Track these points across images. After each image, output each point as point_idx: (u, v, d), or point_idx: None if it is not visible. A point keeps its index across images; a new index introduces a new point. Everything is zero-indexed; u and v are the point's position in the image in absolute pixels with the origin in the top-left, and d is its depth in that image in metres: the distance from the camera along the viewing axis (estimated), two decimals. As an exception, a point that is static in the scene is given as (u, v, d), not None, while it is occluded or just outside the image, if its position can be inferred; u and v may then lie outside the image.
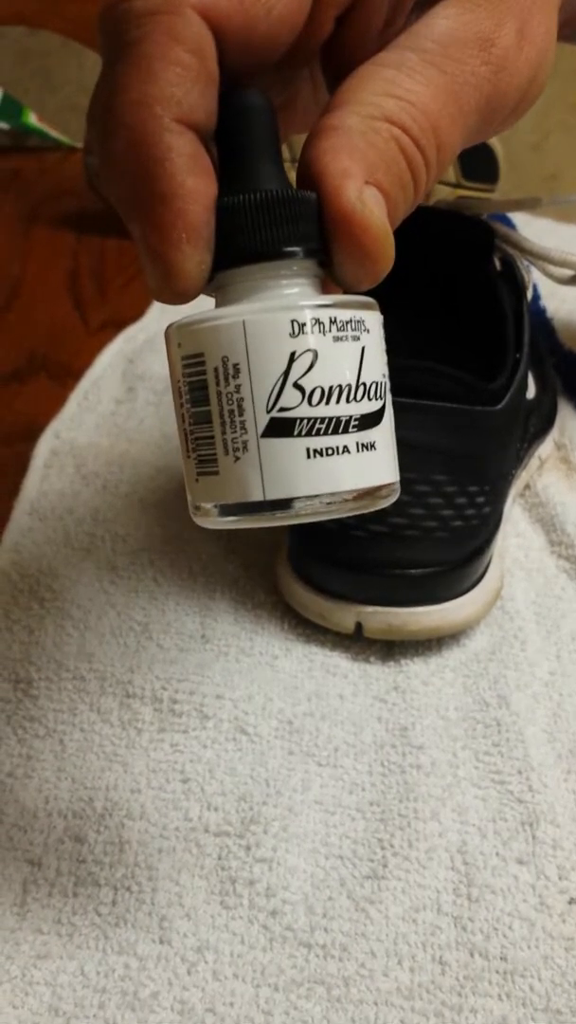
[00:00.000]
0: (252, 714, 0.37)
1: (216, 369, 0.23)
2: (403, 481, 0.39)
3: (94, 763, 0.36)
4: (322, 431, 0.23)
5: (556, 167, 1.13)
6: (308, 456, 0.23)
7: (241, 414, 0.23)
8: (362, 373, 0.24)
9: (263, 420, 0.23)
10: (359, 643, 0.41)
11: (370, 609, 0.39)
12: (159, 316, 0.68)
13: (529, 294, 0.52)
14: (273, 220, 0.23)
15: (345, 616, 0.40)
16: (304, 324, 0.23)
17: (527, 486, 0.50)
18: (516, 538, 0.47)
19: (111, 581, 0.44)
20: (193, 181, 0.22)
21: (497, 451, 0.43)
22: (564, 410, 0.55)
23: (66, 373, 0.61)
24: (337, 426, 0.24)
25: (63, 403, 0.57)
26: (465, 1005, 0.30)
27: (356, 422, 0.24)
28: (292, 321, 0.23)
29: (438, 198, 0.57)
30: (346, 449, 0.24)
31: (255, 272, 0.24)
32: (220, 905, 0.32)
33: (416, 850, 0.33)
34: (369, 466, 0.24)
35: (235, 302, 0.24)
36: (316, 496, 0.24)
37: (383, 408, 0.25)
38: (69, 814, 0.34)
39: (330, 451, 0.24)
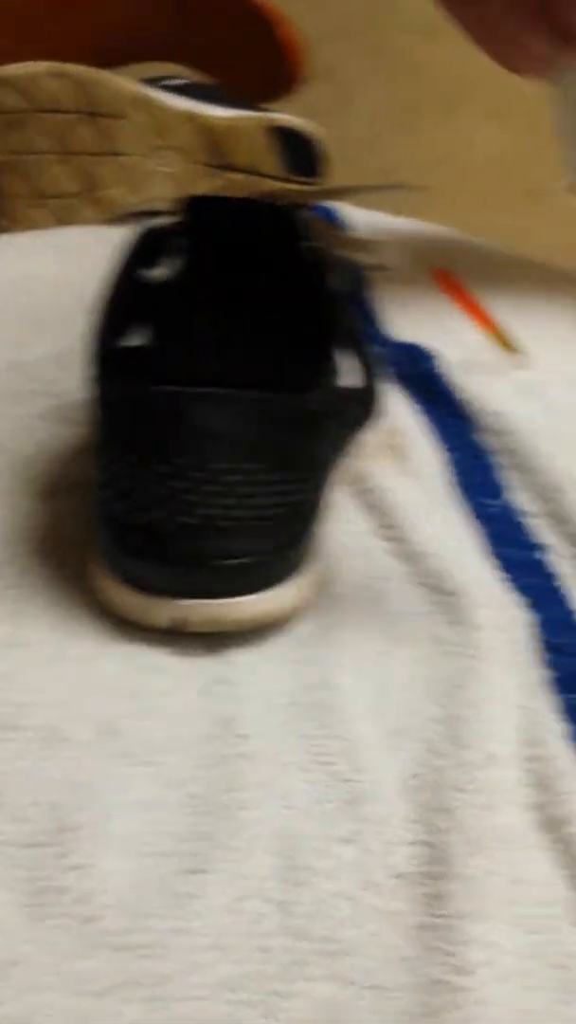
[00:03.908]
0: (67, 720, 0.36)
1: None
2: (211, 471, 0.39)
3: None
4: None
5: (389, 163, 1.15)
6: None
7: None
8: None
9: None
10: (182, 638, 0.40)
11: (188, 603, 0.39)
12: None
13: (349, 282, 0.53)
14: None
15: (162, 612, 0.39)
16: None
17: (353, 472, 0.51)
18: (342, 523, 0.48)
19: None
20: None
21: (310, 438, 0.43)
22: (390, 397, 0.56)
23: None
24: None
25: None
26: (292, 991, 0.29)
27: None
28: None
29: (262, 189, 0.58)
30: None
31: None
32: (30, 917, 0.30)
33: (239, 840, 0.33)
34: None
35: None
36: None
37: None
38: None
39: None
